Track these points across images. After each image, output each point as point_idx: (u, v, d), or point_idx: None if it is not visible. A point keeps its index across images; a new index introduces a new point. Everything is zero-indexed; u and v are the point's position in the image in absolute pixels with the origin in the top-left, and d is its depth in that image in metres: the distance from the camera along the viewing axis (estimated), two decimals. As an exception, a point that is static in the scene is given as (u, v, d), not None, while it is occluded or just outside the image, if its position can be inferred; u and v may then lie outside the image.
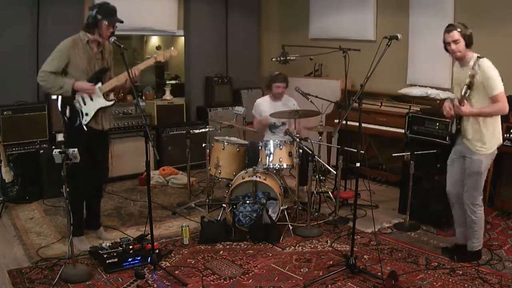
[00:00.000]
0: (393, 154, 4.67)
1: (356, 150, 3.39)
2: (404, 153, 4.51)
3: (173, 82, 7.89)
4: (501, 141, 3.59)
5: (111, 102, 3.80)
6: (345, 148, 4.67)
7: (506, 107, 3.39)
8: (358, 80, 5.69)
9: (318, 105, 4.97)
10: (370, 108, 5.60)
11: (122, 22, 3.67)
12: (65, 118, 3.69)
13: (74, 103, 3.68)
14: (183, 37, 6.93)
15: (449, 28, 3.42)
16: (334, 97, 5.83)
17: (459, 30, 3.37)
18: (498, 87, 3.35)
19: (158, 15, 6.49)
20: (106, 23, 3.61)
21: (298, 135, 4.28)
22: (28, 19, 5.45)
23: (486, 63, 3.36)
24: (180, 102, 6.65)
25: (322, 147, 5.28)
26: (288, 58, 5.26)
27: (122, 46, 3.42)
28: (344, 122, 4.08)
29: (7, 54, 5.33)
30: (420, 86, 5.62)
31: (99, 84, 3.73)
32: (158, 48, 8.67)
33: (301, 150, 4.29)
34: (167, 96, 6.68)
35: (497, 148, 3.57)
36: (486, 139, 3.48)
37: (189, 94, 6.92)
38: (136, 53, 8.48)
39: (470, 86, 3.33)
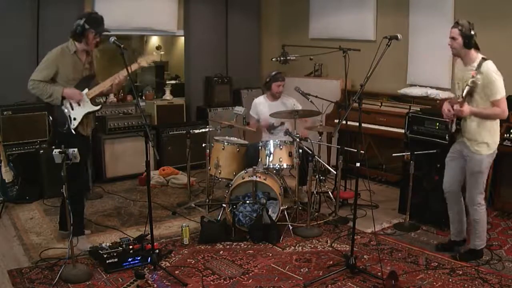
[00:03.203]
0: (393, 154, 4.67)
1: (356, 150, 3.39)
2: (404, 153, 4.52)
3: (173, 82, 7.90)
4: (498, 141, 3.58)
5: (98, 107, 3.90)
6: (345, 148, 4.67)
7: (505, 112, 3.41)
8: (358, 80, 5.68)
9: (318, 105, 4.97)
10: (370, 108, 5.60)
11: (108, 31, 3.73)
12: (54, 122, 3.78)
13: (63, 109, 3.75)
14: (183, 37, 6.93)
15: (453, 25, 3.49)
16: (334, 97, 5.83)
17: (459, 28, 3.42)
18: (500, 92, 3.37)
19: (158, 15, 6.49)
20: (93, 32, 3.67)
21: (298, 135, 4.28)
22: (28, 19, 5.45)
23: (490, 66, 3.39)
24: (180, 102, 6.65)
25: (322, 147, 5.28)
26: (288, 58, 5.26)
27: (122, 46, 3.43)
28: (344, 122, 4.08)
29: (7, 54, 5.33)
30: (420, 86, 5.62)
31: (86, 90, 3.81)
32: (158, 48, 8.68)
33: (301, 150, 4.29)
34: (167, 96, 6.69)
35: (497, 148, 3.58)
36: (485, 139, 3.49)
37: (189, 94, 6.92)
38: (136, 53, 8.48)
39: (471, 92, 3.35)
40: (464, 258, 3.69)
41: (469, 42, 3.43)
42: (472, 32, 3.42)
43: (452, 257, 3.74)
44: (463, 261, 3.67)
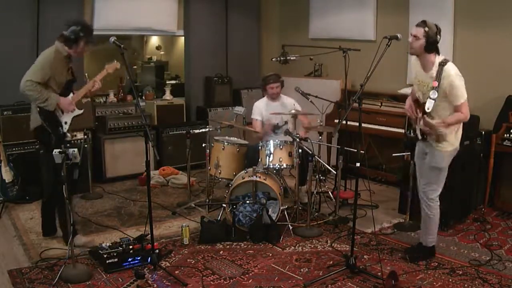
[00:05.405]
0: (393, 154, 4.67)
1: (356, 150, 3.39)
2: (404, 153, 4.52)
3: (173, 82, 7.91)
4: (460, 138, 3.53)
5: (82, 111, 3.98)
6: (345, 148, 4.67)
7: (467, 116, 3.36)
8: (358, 80, 5.68)
9: (318, 105, 4.96)
10: (370, 108, 5.60)
11: (94, 43, 3.86)
12: (46, 126, 3.76)
13: (56, 114, 3.78)
14: (183, 37, 6.93)
15: (419, 23, 3.34)
16: (334, 97, 5.83)
17: (426, 29, 3.29)
18: (462, 96, 3.30)
19: (158, 15, 6.49)
20: (85, 41, 3.75)
21: (298, 135, 4.28)
22: (28, 19, 5.45)
23: (451, 70, 3.28)
24: (180, 102, 6.65)
25: (322, 147, 5.28)
26: (288, 58, 5.26)
27: (122, 46, 3.43)
28: (344, 122, 4.08)
29: (7, 54, 5.33)
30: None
31: (71, 95, 3.87)
32: (158, 48, 8.69)
33: (301, 150, 4.29)
34: (167, 96, 6.69)
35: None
36: (448, 138, 3.46)
37: (189, 94, 6.92)
38: (136, 53, 8.49)
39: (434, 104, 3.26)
40: (415, 259, 3.67)
41: (431, 47, 3.33)
42: (438, 38, 3.32)
43: (405, 259, 3.71)
44: (414, 261, 3.65)
